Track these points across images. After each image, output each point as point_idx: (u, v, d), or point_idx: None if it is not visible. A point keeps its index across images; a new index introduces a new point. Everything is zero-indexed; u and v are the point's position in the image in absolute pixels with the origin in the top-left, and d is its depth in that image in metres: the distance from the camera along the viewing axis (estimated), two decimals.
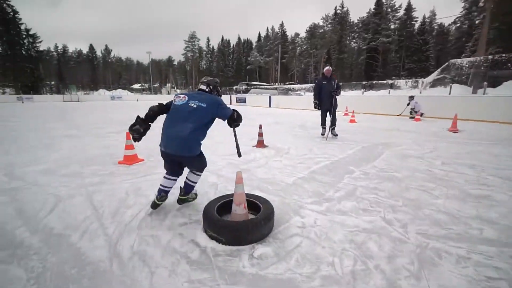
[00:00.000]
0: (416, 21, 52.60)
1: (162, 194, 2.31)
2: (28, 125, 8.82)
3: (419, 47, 51.00)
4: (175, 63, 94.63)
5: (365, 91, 20.71)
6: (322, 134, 6.33)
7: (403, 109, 10.82)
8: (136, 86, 74.91)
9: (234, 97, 25.10)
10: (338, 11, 59.08)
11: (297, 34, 67.76)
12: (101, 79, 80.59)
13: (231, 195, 2.21)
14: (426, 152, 4.74)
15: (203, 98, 2.17)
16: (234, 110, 2.22)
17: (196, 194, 2.61)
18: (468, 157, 4.27)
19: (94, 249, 1.75)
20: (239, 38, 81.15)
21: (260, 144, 5.16)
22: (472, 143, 5.51)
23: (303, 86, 30.41)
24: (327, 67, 5.95)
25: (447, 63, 15.44)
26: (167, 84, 62.96)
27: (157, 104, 2.38)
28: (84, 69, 76.57)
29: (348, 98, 14.63)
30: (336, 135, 6.16)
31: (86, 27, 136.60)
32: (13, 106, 22.68)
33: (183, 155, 2.15)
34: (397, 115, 11.16)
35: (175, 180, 2.41)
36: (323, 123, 6.36)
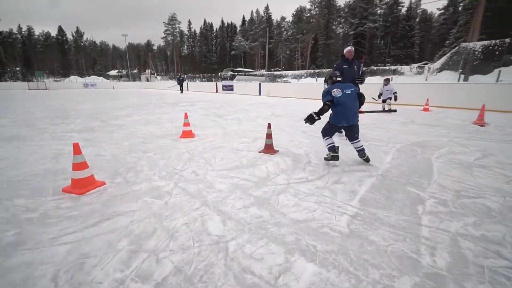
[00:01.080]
0: (402, 6, 51.88)
1: (336, 147, 3.30)
2: None
3: (405, 33, 50.67)
4: (155, 47, 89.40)
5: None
6: (340, 132, 5.16)
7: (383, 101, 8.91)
8: (113, 72, 70.05)
9: (220, 84, 23.34)
10: None
11: (283, 18, 65.38)
12: (74, 65, 74.48)
13: None
14: (479, 157, 3.72)
15: (347, 86, 3.27)
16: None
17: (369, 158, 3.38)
18: None
19: None
20: (222, 22, 77.50)
21: (269, 148, 3.91)
22: None
23: (296, 72, 29.02)
24: (348, 48, 4.68)
25: (457, 47, 14.55)
26: (147, 70, 59.21)
27: (326, 107, 3.22)
28: (53, 54, 70.24)
29: None
30: None
31: (53, 7, 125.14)
32: None
33: (355, 123, 3.27)
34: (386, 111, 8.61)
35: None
36: None
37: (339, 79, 3.39)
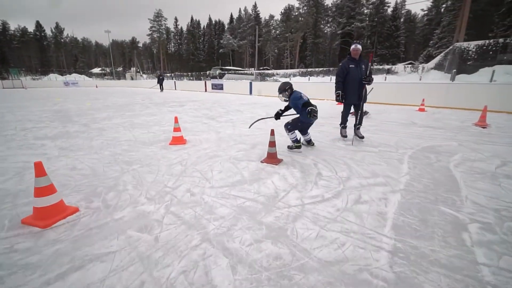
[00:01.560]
0: (388, 6, 52.73)
1: (299, 139, 4.02)
2: None
3: (391, 33, 51.54)
4: (140, 45, 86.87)
5: None
6: (345, 136, 4.82)
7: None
8: (96, 70, 67.27)
9: (209, 83, 22.67)
10: None
11: (271, 17, 65.07)
12: (54, 63, 71.07)
13: None
14: (499, 165, 3.45)
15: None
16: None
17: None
18: None
19: None
20: (210, 19, 76.25)
21: (272, 158, 3.48)
22: None
23: (288, 71, 28.74)
24: (354, 45, 4.32)
25: (451, 47, 14.66)
26: (132, 69, 57.32)
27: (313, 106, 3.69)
28: (31, 51, 66.62)
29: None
30: (362, 137, 4.70)
31: (29, 1, 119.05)
32: None
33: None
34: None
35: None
36: (344, 122, 4.84)
37: (292, 87, 3.95)
